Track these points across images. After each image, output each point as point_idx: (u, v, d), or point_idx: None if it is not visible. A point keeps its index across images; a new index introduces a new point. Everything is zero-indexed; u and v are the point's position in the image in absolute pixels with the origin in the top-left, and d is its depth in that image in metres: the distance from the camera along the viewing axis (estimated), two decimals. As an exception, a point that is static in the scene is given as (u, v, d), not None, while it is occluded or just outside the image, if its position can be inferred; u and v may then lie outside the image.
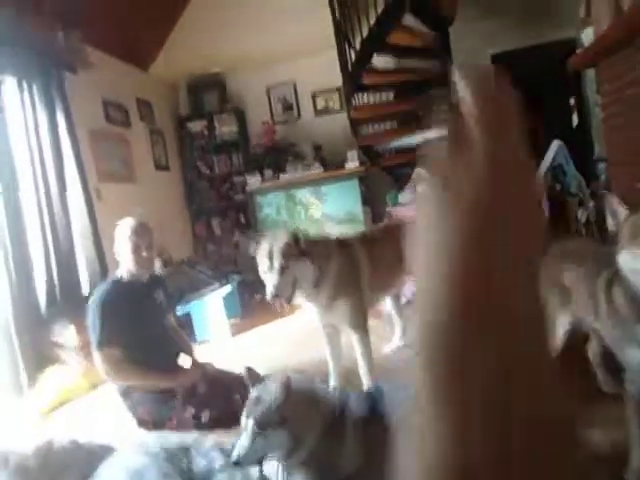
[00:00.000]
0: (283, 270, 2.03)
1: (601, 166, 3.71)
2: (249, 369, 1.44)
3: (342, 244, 2.33)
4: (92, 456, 1.52)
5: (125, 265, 2.36)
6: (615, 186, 3.15)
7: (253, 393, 1.42)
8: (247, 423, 1.36)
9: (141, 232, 2.33)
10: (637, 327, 1.31)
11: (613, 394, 1.90)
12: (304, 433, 1.39)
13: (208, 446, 1.64)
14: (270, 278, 2.05)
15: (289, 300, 2.11)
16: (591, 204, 4.19)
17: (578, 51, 3.06)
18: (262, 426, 1.33)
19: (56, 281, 3.29)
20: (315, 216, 4.80)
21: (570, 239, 2.16)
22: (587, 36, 2.87)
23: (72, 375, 2.99)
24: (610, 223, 1.31)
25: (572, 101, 3.70)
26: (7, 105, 3.22)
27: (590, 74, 4.27)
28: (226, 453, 1.64)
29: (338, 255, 2.23)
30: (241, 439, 1.35)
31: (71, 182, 3.64)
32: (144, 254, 2.32)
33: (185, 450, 1.60)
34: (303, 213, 4.81)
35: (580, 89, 4.20)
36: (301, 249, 2.06)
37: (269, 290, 2.04)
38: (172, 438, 1.70)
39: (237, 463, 1.32)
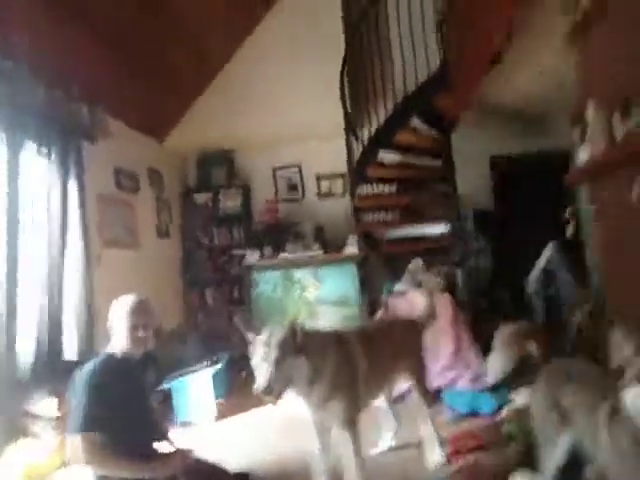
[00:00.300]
0: (278, 365, 1.99)
1: (596, 275, 3.79)
2: None
3: (339, 339, 2.32)
4: None
5: (119, 342, 2.29)
6: (610, 297, 3.21)
7: None
8: None
9: (141, 311, 2.29)
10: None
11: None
12: None
13: None
14: (263, 371, 1.99)
15: (278, 396, 2.03)
16: (584, 313, 4.23)
17: (571, 168, 3.26)
18: None
19: (44, 347, 3.20)
20: (310, 298, 4.79)
21: (569, 359, 2.19)
22: (581, 156, 3.06)
23: (42, 450, 2.83)
24: (614, 356, 1.33)
25: (568, 212, 3.88)
26: (23, 169, 3.30)
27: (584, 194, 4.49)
28: None
29: (335, 352, 2.20)
30: None
31: (72, 245, 3.65)
32: (141, 334, 2.28)
33: None
34: (299, 293, 4.81)
35: (575, 201, 4.42)
36: (298, 345, 2.04)
37: (260, 384, 1.98)
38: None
39: None
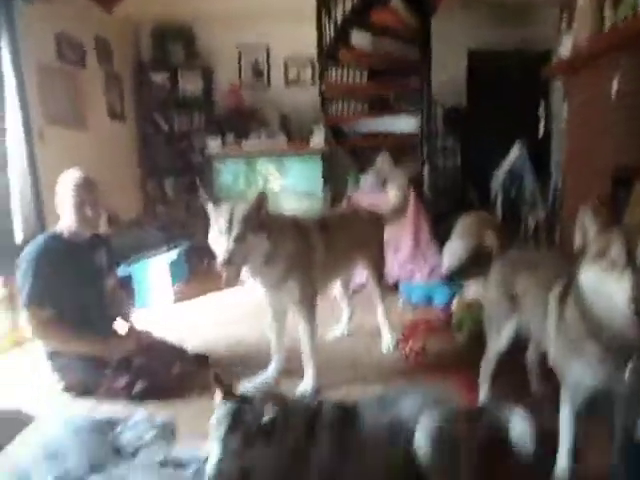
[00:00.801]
0: (239, 239, 1.91)
1: (557, 174, 3.82)
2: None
3: (299, 225, 2.26)
4: (3, 424, 1.40)
5: (66, 221, 2.18)
6: (568, 196, 3.25)
7: (215, 415, 1.31)
8: (218, 444, 1.27)
9: (86, 187, 2.15)
10: (586, 343, 1.32)
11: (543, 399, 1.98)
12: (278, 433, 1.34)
13: (138, 418, 1.56)
14: (224, 243, 1.92)
15: (237, 272, 2.00)
16: (542, 213, 4.33)
17: (554, 60, 3.11)
18: (228, 443, 1.26)
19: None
20: (274, 189, 4.67)
21: (524, 247, 2.22)
22: (564, 47, 2.90)
23: (-4, 329, 2.79)
24: (577, 237, 1.31)
25: (541, 109, 3.79)
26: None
27: (558, 87, 4.36)
28: (156, 426, 1.58)
29: (294, 236, 2.16)
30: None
31: (11, 120, 3.33)
32: (88, 212, 2.15)
33: (112, 422, 1.51)
34: (262, 184, 4.67)
35: (548, 100, 4.31)
36: (261, 221, 1.96)
37: (221, 255, 1.91)
38: (100, 408, 1.59)
39: None
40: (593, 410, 1.76)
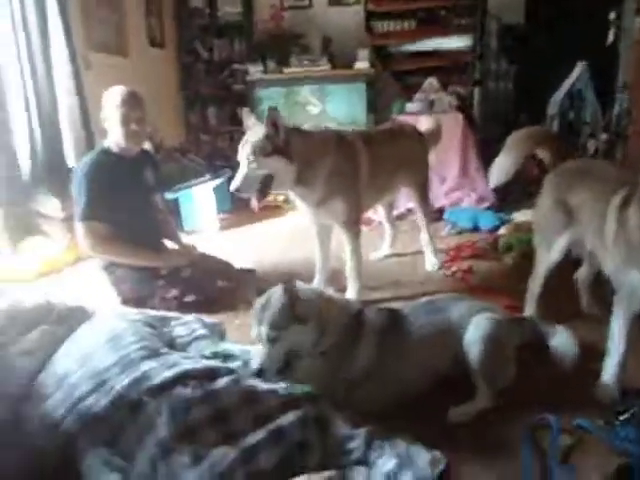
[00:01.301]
0: (251, 164, 1.89)
1: (623, 95, 3.51)
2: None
3: (341, 140, 2.17)
4: (67, 317, 1.50)
5: (113, 137, 2.21)
6: (636, 116, 3.00)
7: (259, 301, 1.43)
8: (260, 331, 1.38)
9: (132, 103, 2.16)
10: None
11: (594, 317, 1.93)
12: (326, 326, 1.42)
13: (189, 318, 1.63)
14: (240, 171, 1.93)
15: (259, 198, 1.99)
16: (603, 136, 4.04)
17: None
18: (276, 327, 1.36)
19: (39, 151, 3.13)
20: (316, 117, 4.56)
21: (583, 159, 2.08)
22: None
23: (55, 247, 2.95)
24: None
25: (612, 15, 3.41)
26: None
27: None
28: (207, 325, 1.65)
29: (335, 152, 2.09)
30: (260, 350, 1.39)
31: (57, 46, 3.34)
32: (134, 127, 2.16)
33: (166, 319, 1.59)
34: (304, 112, 4.57)
35: (621, 5, 3.86)
36: (278, 146, 1.88)
37: (233, 183, 1.93)
38: (154, 313, 1.68)
39: (260, 373, 1.35)
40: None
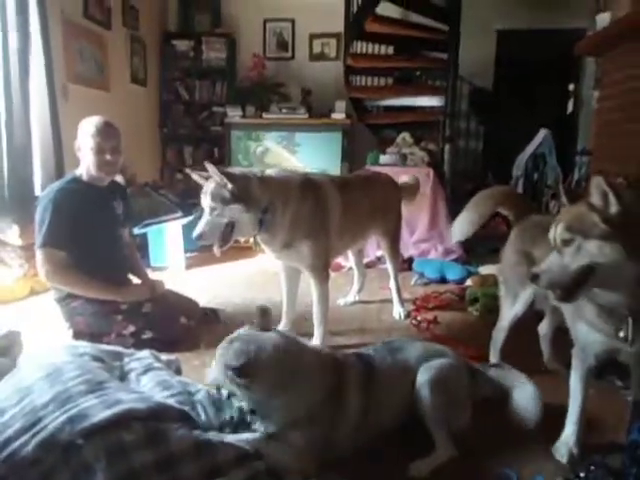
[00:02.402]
0: (212, 212, 1.92)
1: (582, 159, 3.72)
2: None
3: (310, 184, 2.17)
4: (8, 347, 1.41)
5: (85, 165, 2.18)
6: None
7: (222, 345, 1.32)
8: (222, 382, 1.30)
9: (107, 132, 2.14)
10: (586, 305, 1.30)
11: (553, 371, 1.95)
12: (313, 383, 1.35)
13: (145, 354, 1.55)
14: (201, 219, 1.95)
15: (222, 245, 1.99)
16: (564, 199, 4.22)
17: (587, 35, 3.00)
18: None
19: (5, 176, 3.06)
20: (291, 164, 4.64)
21: (545, 215, 2.16)
22: (602, 21, 2.79)
23: (10, 276, 2.82)
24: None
25: (571, 87, 3.67)
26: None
27: (590, 67, 4.22)
28: (162, 361, 1.58)
29: (300, 196, 2.08)
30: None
31: (36, 75, 3.35)
32: (108, 157, 2.14)
33: (119, 353, 1.51)
34: (279, 156, 4.64)
35: (579, 79, 4.18)
36: (233, 193, 1.89)
37: (195, 231, 1.94)
38: (105, 347, 1.59)
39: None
40: (603, 376, 1.75)
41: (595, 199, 1.19)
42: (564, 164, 4.25)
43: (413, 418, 1.47)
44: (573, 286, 1.21)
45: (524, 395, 1.60)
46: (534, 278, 1.24)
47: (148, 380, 1.38)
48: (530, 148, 4.49)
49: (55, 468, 1.10)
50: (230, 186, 1.88)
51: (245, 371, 1.23)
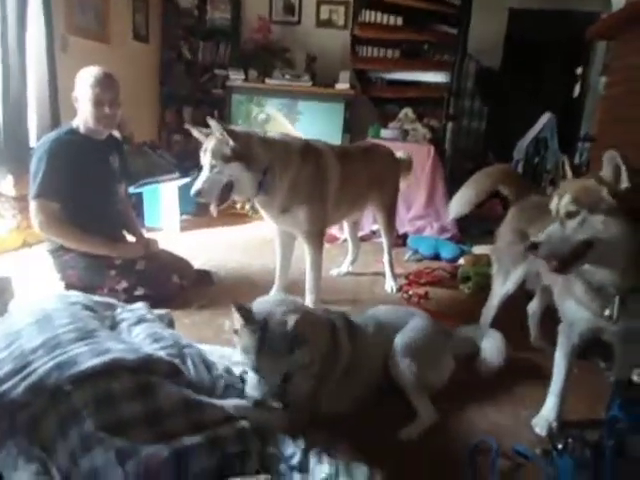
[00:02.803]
0: (212, 170, 1.90)
1: (584, 145, 3.70)
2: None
3: (311, 150, 2.16)
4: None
5: (82, 117, 2.13)
6: (593, 168, 3.15)
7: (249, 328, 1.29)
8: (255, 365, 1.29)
9: (107, 84, 2.10)
10: (575, 283, 1.32)
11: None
12: (317, 344, 1.37)
13: (137, 306, 1.55)
14: (200, 177, 1.93)
15: (218, 204, 1.99)
16: (569, 174, 4.22)
17: (599, 19, 2.95)
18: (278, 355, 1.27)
19: (1, 127, 2.99)
20: (292, 131, 4.58)
21: (544, 196, 2.16)
22: (617, 3, 2.74)
23: (3, 227, 2.80)
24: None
25: (579, 70, 3.62)
26: None
27: (600, 52, 4.17)
28: (155, 314, 1.58)
29: (301, 161, 2.07)
30: (255, 379, 1.31)
31: (34, 23, 3.24)
32: (106, 110, 2.10)
33: (111, 304, 1.51)
34: (280, 122, 4.58)
35: (588, 64, 4.12)
36: (235, 151, 1.88)
37: (193, 188, 1.93)
38: (97, 298, 1.59)
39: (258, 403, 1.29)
40: (587, 357, 1.78)
41: (606, 173, 1.17)
42: (566, 149, 4.23)
43: (392, 384, 1.53)
44: (571, 259, 1.21)
45: (491, 343, 1.77)
46: (533, 247, 1.23)
47: (140, 331, 1.39)
48: (532, 132, 4.45)
49: (44, 412, 1.11)
50: (232, 143, 1.86)
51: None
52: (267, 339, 1.24)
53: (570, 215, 1.19)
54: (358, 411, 1.46)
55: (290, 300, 1.41)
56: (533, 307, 2.08)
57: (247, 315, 1.27)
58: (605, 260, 1.20)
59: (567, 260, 1.21)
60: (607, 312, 1.26)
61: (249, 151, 1.91)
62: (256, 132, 2.05)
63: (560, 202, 1.23)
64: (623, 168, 1.13)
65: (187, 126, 2.08)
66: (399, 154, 2.94)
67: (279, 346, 1.25)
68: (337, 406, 1.42)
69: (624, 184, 1.14)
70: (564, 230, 1.20)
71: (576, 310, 1.37)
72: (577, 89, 3.64)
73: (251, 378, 1.32)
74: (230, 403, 1.28)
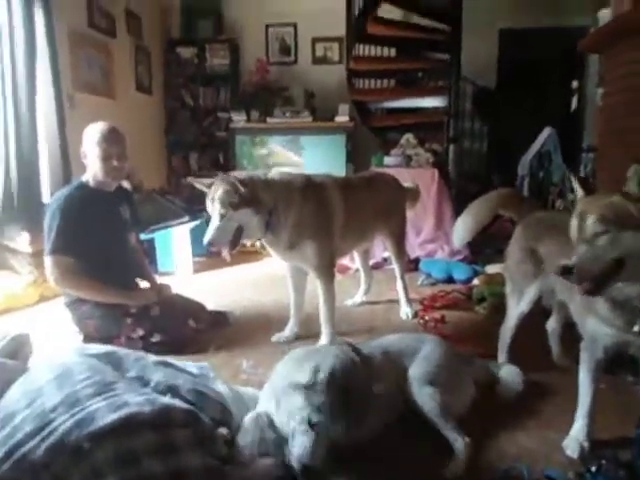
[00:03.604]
0: (222, 218, 1.96)
1: (588, 156, 3.71)
2: None
3: (312, 186, 2.20)
4: (18, 349, 1.43)
5: (92, 172, 2.20)
6: (600, 178, 3.14)
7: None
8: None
9: (113, 138, 2.17)
10: (597, 299, 1.29)
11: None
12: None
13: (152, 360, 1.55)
14: (211, 225, 1.99)
15: (231, 249, 2.05)
16: (571, 196, 4.21)
17: (590, 32, 3.00)
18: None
19: (14, 183, 3.10)
20: (296, 167, 4.66)
21: (549, 212, 2.16)
22: (604, 17, 2.79)
23: (20, 283, 2.85)
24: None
25: (575, 84, 3.67)
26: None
27: (594, 64, 4.21)
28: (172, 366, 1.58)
29: (303, 198, 2.12)
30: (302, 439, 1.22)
31: (43, 84, 3.39)
32: (114, 163, 2.16)
33: (126, 355, 1.51)
34: (283, 159, 4.67)
35: (583, 77, 4.17)
36: (243, 197, 1.94)
37: (205, 237, 1.99)
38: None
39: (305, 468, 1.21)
40: (614, 371, 1.74)
41: (631, 187, 1.16)
42: (570, 162, 4.23)
43: (410, 411, 1.50)
44: (603, 278, 1.18)
45: (508, 372, 1.79)
46: (565, 272, 1.19)
47: (160, 377, 1.39)
48: (535, 147, 4.48)
49: (66, 470, 1.11)
50: (243, 190, 1.92)
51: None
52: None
53: (598, 235, 1.17)
54: (375, 444, 1.42)
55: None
56: (552, 324, 2.05)
57: None
58: (637, 275, 1.17)
59: (599, 280, 1.19)
60: (636, 328, 1.23)
61: (255, 195, 1.97)
62: (258, 175, 2.11)
63: (584, 223, 1.20)
64: None
65: (189, 179, 2.15)
66: (406, 184, 2.98)
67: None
68: (354, 438, 1.39)
69: None
70: (594, 250, 1.17)
71: (598, 326, 1.34)
72: (574, 102, 3.68)
73: (301, 440, 1.21)
74: (258, 467, 1.25)
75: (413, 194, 2.94)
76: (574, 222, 1.23)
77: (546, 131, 4.45)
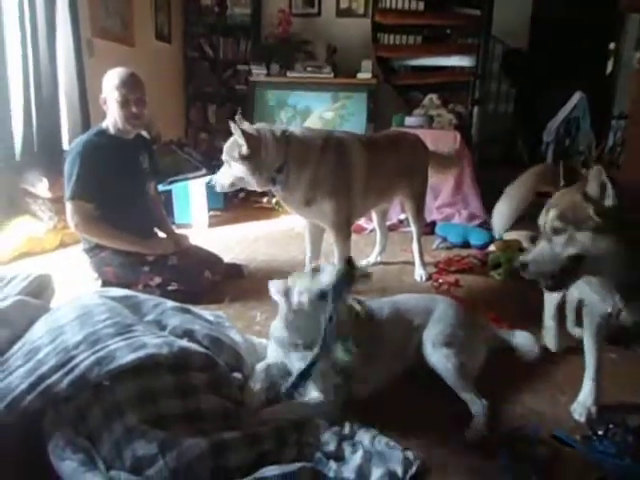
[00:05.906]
0: (227, 166, 2.08)
1: (619, 123, 3.58)
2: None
3: (333, 142, 2.16)
4: (41, 289, 1.47)
5: (111, 118, 2.19)
6: (629, 146, 3.04)
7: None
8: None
9: (132, 84, 2.14)
10: None
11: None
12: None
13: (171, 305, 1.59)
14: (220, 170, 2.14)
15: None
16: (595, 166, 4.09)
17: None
18: None
19: (35, 129, 3.10)
20: (315, 123, 4.58)
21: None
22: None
23: (41, 228, 2.90)
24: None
25: (612, 45, 3.49)
26: None
27: (633, 26, 4.00)
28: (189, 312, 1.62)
29: (322, 154, 2.10)
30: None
31: (62, 29, 3.33)
32: (133, 109, 2.14)
33: (145, 300, 1.54)
34: (303, 115, 4.59)
35: (620, 39, 3.96)
36: (244, 155, 1.98)
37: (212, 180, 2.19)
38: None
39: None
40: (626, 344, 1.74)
41: (591, 189, 1.14)
42: (599, 129, 4.09)
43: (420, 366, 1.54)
44: (562, 275, 1.19)
45: (522, 338, 1.77)
46: (522, 267, 1.21)
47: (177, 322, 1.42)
48: (563, 112, 4.33)
49: (89, 405, 1.16)
50: (244, 147, 1.95)
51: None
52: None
53: (556, 231, 1.17)
54: (383, 398, 1.46)
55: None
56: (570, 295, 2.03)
57: None
58: (597, 271, 1.20)
59: (558, 277, 1.20)
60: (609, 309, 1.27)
61: (257, 154, 1.99)
62: (273, 130, 2.07)
63: (547, 217, 1.21)
64: (609, 185, 1.11)
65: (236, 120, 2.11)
66: (446, 150, 2.93)
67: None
68: (361, 392, 1.43)
69: (610, 201, 1.11)
70: (552, 247, 1.18)
71: (595, 296, 1.34)
72: (610, 65, 3.50)
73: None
74: (268, 409, 1.31)
75: (449, 161, 2.90)
76: (543, 212, 1.24)
77: (576, 96, 4.29)
